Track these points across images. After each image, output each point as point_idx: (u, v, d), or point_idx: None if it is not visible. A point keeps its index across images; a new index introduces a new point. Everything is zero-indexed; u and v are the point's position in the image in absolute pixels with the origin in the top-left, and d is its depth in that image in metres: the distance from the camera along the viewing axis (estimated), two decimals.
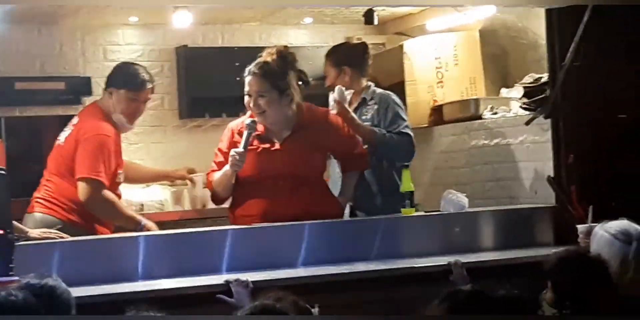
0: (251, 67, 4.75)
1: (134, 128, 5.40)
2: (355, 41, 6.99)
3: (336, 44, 5.99)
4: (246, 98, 4.78)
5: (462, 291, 2.88)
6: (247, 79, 4.75)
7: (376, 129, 5.24)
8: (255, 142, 4.79)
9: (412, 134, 5.34)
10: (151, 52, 6.74)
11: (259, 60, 4.77)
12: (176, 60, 6.78)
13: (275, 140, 4.81)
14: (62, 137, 5.22)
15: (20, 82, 6.26)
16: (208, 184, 4.93)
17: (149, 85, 5.26)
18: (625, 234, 3.80)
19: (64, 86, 6.34)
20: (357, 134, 5.10)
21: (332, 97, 5.18)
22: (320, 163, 4.94)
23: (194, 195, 6.16)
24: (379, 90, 5.47)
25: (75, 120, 5.27)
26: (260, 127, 4.81)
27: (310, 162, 4.84)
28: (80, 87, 6.38)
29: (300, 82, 4.86)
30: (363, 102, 5.43)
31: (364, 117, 5.35)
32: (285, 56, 4.77)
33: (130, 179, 5.62)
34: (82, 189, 5.02)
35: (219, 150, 4.88)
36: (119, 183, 5.27)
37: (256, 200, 4.77)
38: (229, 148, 4.78)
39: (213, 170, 4.88)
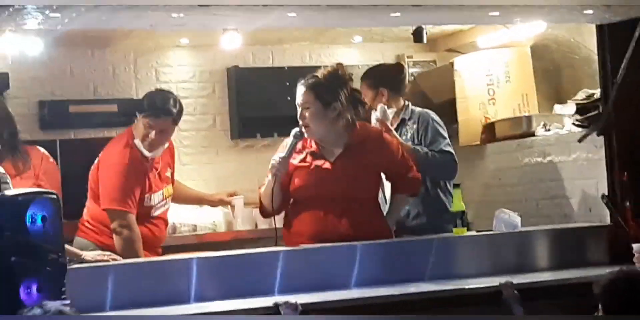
0: (302, 80, 4.81)
1: (153, 155, 5.31)
2: (405, 59, 7.01)
3: (371, 66, 5.96)
4: (298, 111, 4.81)
5: None
6: (297, 91, 4.80)
7: (418, 148, 5.23)
8: (309, 159, 4.81)
9: (453, 151, 5.31)
10: (202, 73, 6.79)
11: (311, 74, 4.83)
12: (227, 81, 6.82)
13: (328, 158, 4.81)
14: (95, 161, 5.31)
15: (74, 105, 6.34)
16: (258, 198, 4.93)
17: (168, 116, 5.23)
18: None
19: (117, 108, 6.39)
20: None
21: (375, 116, 5.18)
22: (373, 183, 4.90)
23: (236, 217, 6.18)
24: (417, 109, 5.48)
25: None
26: (313, 145, 4.82)
27: (362, 181, 4.81)
28: (133, 109, 6.41)
29: (357, 103, 4.86)
30: (402, 123, 5.43)
31: (404, 137, 5.35)
32: (337, 72, 4.80)
33: (178, 200, 5.68)
34: (109, 219, 5.12)
35: None
36: (152, 206, 5.31)
37: (307, 219, 4.76)
38: None
39: (264, 184, 4.90)
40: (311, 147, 4.83)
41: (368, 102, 5.39)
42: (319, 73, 4.79)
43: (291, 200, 4.86)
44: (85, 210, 5.35)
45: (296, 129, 4.79)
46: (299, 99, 4.78)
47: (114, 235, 5.14)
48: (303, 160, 4.81)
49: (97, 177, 5.23)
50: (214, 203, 6.09)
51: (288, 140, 4.85)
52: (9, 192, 3.86)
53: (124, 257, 5.00)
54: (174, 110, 5.28)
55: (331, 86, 4.76)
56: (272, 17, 4.57)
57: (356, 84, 6.61)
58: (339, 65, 4.87)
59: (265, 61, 6.92)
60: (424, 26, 5.99)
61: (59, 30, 4.46)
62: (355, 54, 7.10)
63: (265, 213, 4.93)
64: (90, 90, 6.52)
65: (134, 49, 6.62)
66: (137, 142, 5.25)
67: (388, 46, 7.13)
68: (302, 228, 4.77)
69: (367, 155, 4.81)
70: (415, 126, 5.38)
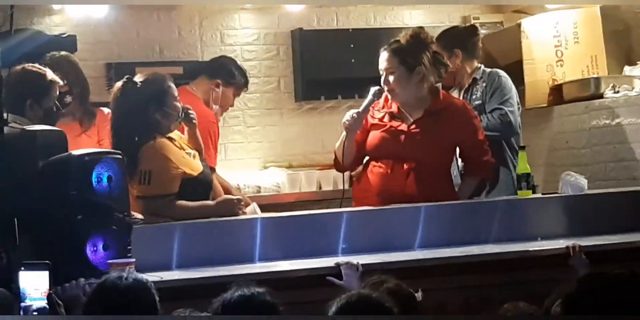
0: (385, 45, 4.81)
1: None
2: (472, 21, 6.92)
3: (448, 26, 5.92)
4: (382, 76, 4.83)
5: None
6: (380, 56, 4.81)
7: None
8: (386, 119, 4.82)
9: (507, 108, 5.26)
10: (267, 35, 6.79)
11: (393, 39, 4.83)
12: (291, 43, 6.81)
13: (405, 121, 4.81)
14: None
15: (140, 67, 6.35)
16: (334, 152, 4.93)
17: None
18: None
19: (183, 70, 6.42)
20: None
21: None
22: (446, 153, 4.86)
23: None
24: (488, 70, 5.48)
25: None
26: (394, 107, 4.82)
27: (435, 148, 4.78)
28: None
29: (439, 65, 4.83)
30: (474, 82, 5.43)
31: (474, 96, 5.36)
32: (419, 36, 4.78)
33: None
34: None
35: None
36: None
37: (376, 176, 4.78)
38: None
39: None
40: (391, 107, 4.83)
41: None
42: (401, 37, 4.78)
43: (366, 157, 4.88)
44: None
45: (376, 88, 4.80)
46: (382, 64, 4.79)
47: None
48: (381, 119, 4.84)
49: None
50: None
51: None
52: (76, 152, 3.91)
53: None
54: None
55: (414, 50, 4.74)
56: None
57: None
58: (421, 28, 4.86)
59: (330, 23, 6.89)
60: None
61: None
62: (421, 16, 7.04)
63: (337, 166, 4.97)
64: (156, 52, 6.57)
65: (199, 12, 6.65)
66: (216, 107, 5.32)
67: (454, 7, 7.05)
68: (370, 184, 4.79)
69: (445, 124, 4.78)
70: (484, 84, 5.37)
